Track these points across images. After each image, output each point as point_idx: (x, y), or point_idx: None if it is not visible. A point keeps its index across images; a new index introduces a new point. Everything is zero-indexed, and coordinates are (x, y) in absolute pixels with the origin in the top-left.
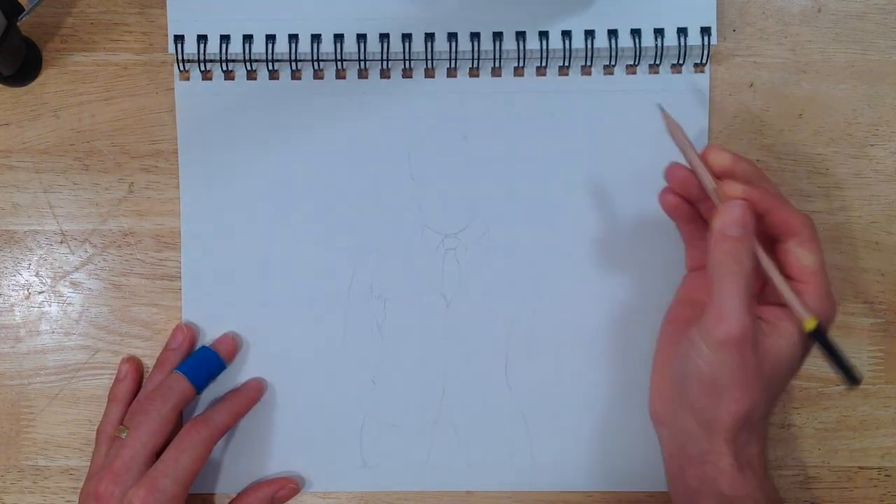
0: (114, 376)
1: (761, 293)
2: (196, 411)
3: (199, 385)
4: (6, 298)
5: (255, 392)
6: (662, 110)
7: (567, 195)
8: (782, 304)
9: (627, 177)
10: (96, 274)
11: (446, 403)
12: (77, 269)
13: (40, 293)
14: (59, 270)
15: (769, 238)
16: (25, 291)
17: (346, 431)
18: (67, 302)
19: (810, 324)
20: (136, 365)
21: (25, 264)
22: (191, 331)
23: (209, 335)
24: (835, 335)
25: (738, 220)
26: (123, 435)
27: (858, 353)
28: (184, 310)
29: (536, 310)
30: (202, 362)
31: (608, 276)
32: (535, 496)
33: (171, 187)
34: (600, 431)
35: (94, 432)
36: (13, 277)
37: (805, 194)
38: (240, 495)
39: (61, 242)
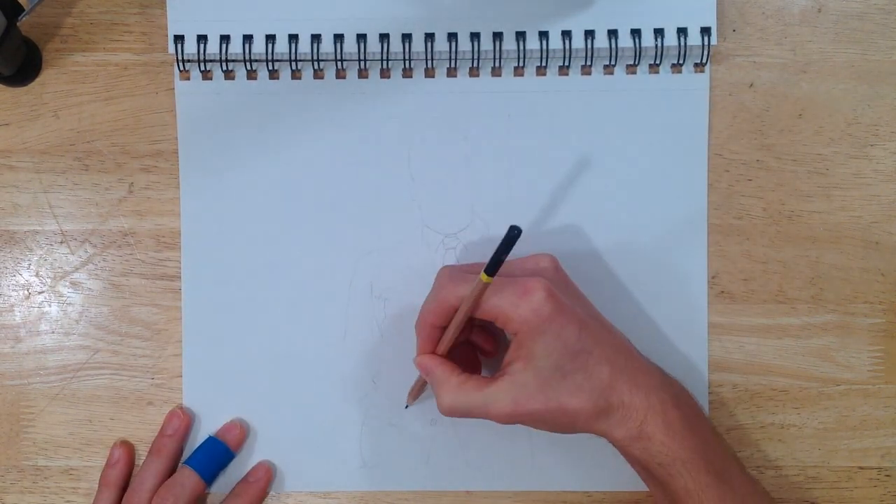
0: (105, 461)
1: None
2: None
3: (209, 479)
4: (6, 298)
5: (264, 482)
6: (406, 407)
7: (567, 195)
8: (513, 333)
9: (627, 176)
10: (96, 274)
11: None
12: (77, 269)
13: (40, 293)
14: (59, 270)
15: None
16: (25, 291)
17: (346, 431)
18: (67, 302)
19: (484, 277)
20: (128, 450)
21: (25, 264)
22: (186, 416)
23: (209, 335)
24: (835, 335)
25: (422, 371)
26: None
27: (858, 353)
28: (184, 310)
29: None
30: (211, 455)
31: (608, 276)
32: (535, 496)
33: (171, 187)
34: None
35: (94, 432)
36: (13, 277)
37: (805, 194)
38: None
39: (61, 242)
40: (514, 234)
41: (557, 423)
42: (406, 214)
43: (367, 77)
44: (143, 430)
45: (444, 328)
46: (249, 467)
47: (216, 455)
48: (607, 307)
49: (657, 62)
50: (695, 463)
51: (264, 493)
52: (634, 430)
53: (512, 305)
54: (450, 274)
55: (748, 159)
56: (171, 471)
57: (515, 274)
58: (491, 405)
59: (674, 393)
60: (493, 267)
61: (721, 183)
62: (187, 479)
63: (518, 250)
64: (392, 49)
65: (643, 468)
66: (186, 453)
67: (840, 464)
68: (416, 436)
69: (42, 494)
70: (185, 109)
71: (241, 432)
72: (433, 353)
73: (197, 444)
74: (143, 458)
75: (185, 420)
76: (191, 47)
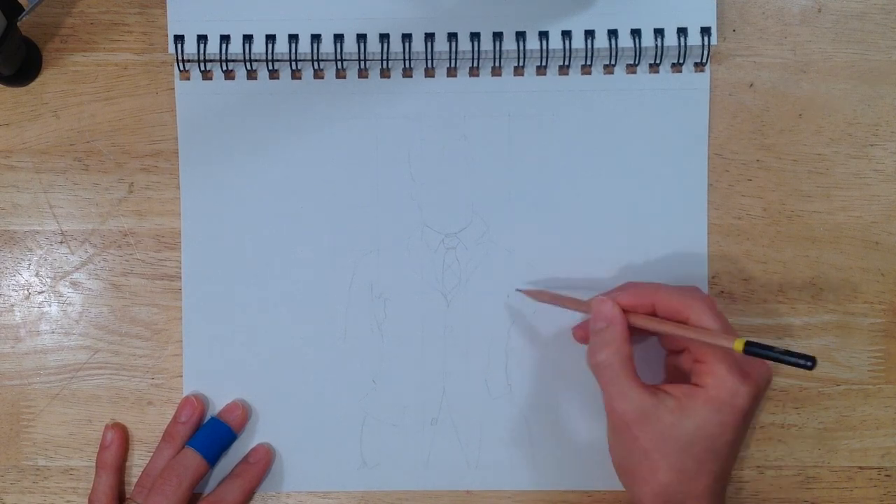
0: (99, 444)
1: (681, 371)
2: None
3: (212, 459)
4: (6, 298)
5: (264, 464)
6: (519, 291)
7: (567, 195)
8: (694, 384)
9: (627, 176)
10: (96, 274)
11: (446, 403)
12: (77, 269)
13: (40, 293)
14: (59, 270)
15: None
16: (25, 291)
17: (346, 431)
18: (67, 302)
19: (739, 344)
20: (120, 431)
21: (25, 264)
22: (200, 403)
23: (209, 335)
24: (835, 335)
25: (599, 316)
26: None
27: (858, 353)
28: (184, 310)
29: (536, 309)
30: (214, 436)
31: (608, 276)
32: (535, 496)
33: (171, 187)
34: (600, 431)
35: (94, 432)
36: (13, 277)
37: (805, 194)
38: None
39: (61, 242)
40: (808, 365)
41: (636, 468)
42: (406, 214)
43: (367, 77)
44: (143, 429)
45: (645, 312)
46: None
47: (219, 436)
48: None
49: (657, 62)
50: None
51: (264, 474)
52: None
53: (728, 369)
54: (709, 302)
55: (748, 159)
56: None
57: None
58: (625, 399)
59: None
60: (756, 350)
61: (721, 183)
62: (190, 460)
63: (518, 251)
64: (392, 49)
65: None
66: None
67: (840, 464)
68: (416, 436)
69: (42, 494)
70: (185, 109)
71: (243, 413)
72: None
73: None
74: (136, 438)
75: (198, 408)
76: (191, 47)
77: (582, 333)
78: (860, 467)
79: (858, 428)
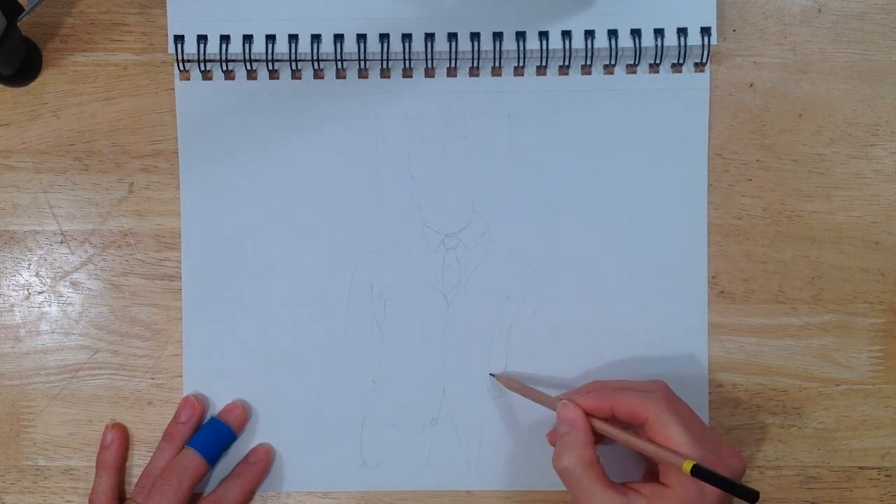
0: (99, 444)
1: (648, 472)
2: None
3: (212, 459)
4: (6, 298)
5: (264, 464)
6: (492, 376)
7: (567, 195)
8: (661, 483)
9: (627, 176)
10: (96, 274)
11: (446, 403)
12: (77, 269)
13: (40, 293)
14: (59, 270)
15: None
16: (25, 291)
17: (346, 431)
18: (67, 302)
19: (687, 466)
20: (120, 431)
21: (25, 264)
22: (200, 403)
23: (209, 335)
24: (835, 335)
25: (565, 419)
26: None
27: (858, 353)
28: (184, 310)
29: (536, 310)
30: (214, 436)
31: (608, 276)
32: (534, 496)
33: (171, 187)
34: None
35: (94, 432)
36: (13, 277)
37: (805, 194)
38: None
39: (61, 242)
40: (751, 499)
41: None
42: (406, 214)
43: (367, 77)
44: (144, 430)
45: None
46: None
47: (219, 436)
48: (607, 307)
49: (657, 62)
50: None
51: (264, 475)
52: None
53: (689, 476)
54: (668, 401)
55: (748, 159)
56: None
57: (708, 443)
58: (594, 503)
59: None
60: (703, 475)
61: (721, 183)
62: (190, 460)
63: (518, 251)
64: (392, 49)
65: None
66: None
67: (840, 464)
68: (416, 436)
69: (42, 494)
70: (185, 109)
71: (243, 413)
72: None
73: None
74: (136, 438)
75: (198, 408)
76: (191, 47)
77: (553, 438)
78: (860, 467)
79: (858, 428)
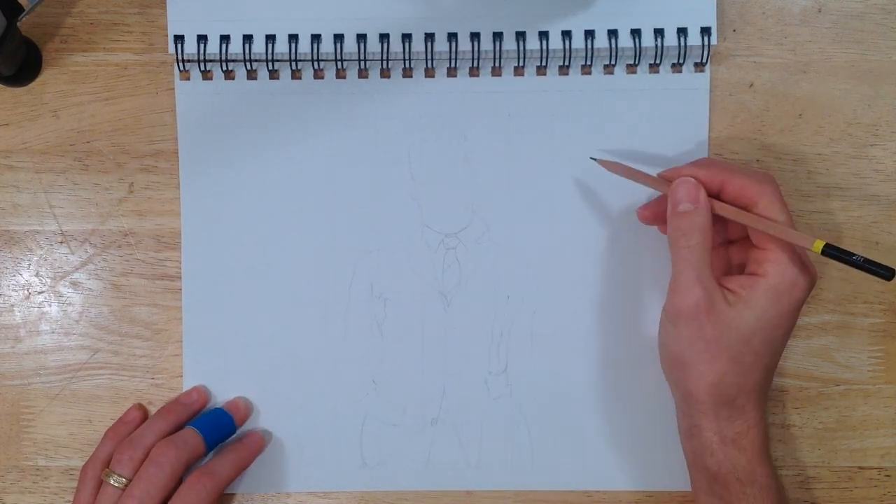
0: (119, 416)
1: (731, 263)
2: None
3: (210, 445)
4: (6, 298)
5: (258, 445)
6: (594, 160)
7: (567, 195)
8: (753, 273)
9: None
10: (96, 274)
11: (446, 403)
12: (77, 269)
13: (40, 293)
14: (59, 270)
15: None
16: (25, 291)
17: (346, 431)
18: (67, 302)
19: (818, 245)
20: (144, 414)
21: (25, 264)
22: (206, 396)
23: (209, 335)
24: (835, 335)
25: (686, 195)
26: (112, 481)
27: (858, 353)
28: (184, 310)
29: (536, 310)
30: (217, 424)
31: (608, 276)
32: (535, 496)
33: (171, 187)
34: (600, 431)
35: (94, 433)
36: (13, 277)
37: (805, 194)
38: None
39: (61, 242)
40: (886, 275)
41: (694, 359)
42: (406, 214)
43: (367, 77)
44: None
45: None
46: None
47: (221, 425)
48: (607, 307)
49: (657, 62)
50: (769, 495)
51: (256, 455)
52: (736, 434)
53: (790, 259)
54: (779, 194)
55: (748, 159)
56: None
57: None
58: (680, 293)
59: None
60: (834, 254)
61: None
62: (191, 438)
63: (518, 251)
64: (392, 49)
65: (711, 476)
66: None
67: (840, 464)
68: (416, 436)
69: (42, 494)
70: (185, 109)
71: (246, 409)
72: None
73: None
74: None
75: (203, 398)
76: (191, 47)
77: (650, 213)
78: (860, 467)
79: (858, 428)
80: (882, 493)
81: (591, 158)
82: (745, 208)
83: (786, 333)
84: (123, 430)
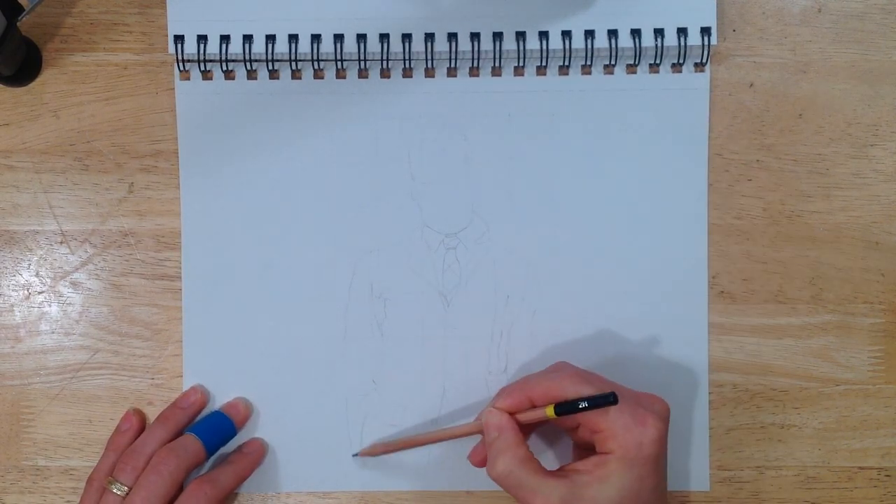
0: (117, 426)
1: (582, 447)
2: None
3: (211, 450)
4: (6, 298)
5: (258, 455)
6: (355, 455)
7: (567, 195)
8: (601, 452)
9: (627, 176)
10: (96, 274)
11: (446, 403)
12: (77, 269)
13: (40, 293)
14: (59, 270)
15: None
16: (25, 291)
17: (347, 431)
18: (67, 302)
19: (549, 410)
20: (141, 418)
21: (25, 264)
22: (204, 396)
23: (209, 335)
24: (835, 335)
25: (492, 425)
26: (114, 489)
27: (858, 353)
28: (184, 310)
29: (536, 310)
30: (216, 428)
31: (608, 276)
32: None
33: (171, 187)
34: None
35: (94, 433)
36: (13, 277)
37: (805, 194)
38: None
39: (61, 242)
40: (610, 401)
41: None
42: (406, 214)
43: (367, 77)
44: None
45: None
46: None
47: (221, 429)
48: (607, 307)
49: (657, 62)
50: None
51: (257, 466)
52: None
53: (624, 427)
54: (575, 372)
55: (748, 159)
56: None
57: (627, 398)
58: (539, 495)
59: None
60: (564, 409)
61: (721, 183)
62: (191, 444)
63: (518, 251)
64: (392, 49)
65: None
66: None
67: (840, 464)
68: None
69: (42, 494)
70: (185, 109)
71: (245, 410)
72: (510, 413)
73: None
74: None
75: (201, 399)
76: (191, 47)
77: (476, 457)
78: (860, 467)
79: (858, 428)
80: (882, 493)
81: (354, 455)
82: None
83: (655, 486)
84: (122, 439)
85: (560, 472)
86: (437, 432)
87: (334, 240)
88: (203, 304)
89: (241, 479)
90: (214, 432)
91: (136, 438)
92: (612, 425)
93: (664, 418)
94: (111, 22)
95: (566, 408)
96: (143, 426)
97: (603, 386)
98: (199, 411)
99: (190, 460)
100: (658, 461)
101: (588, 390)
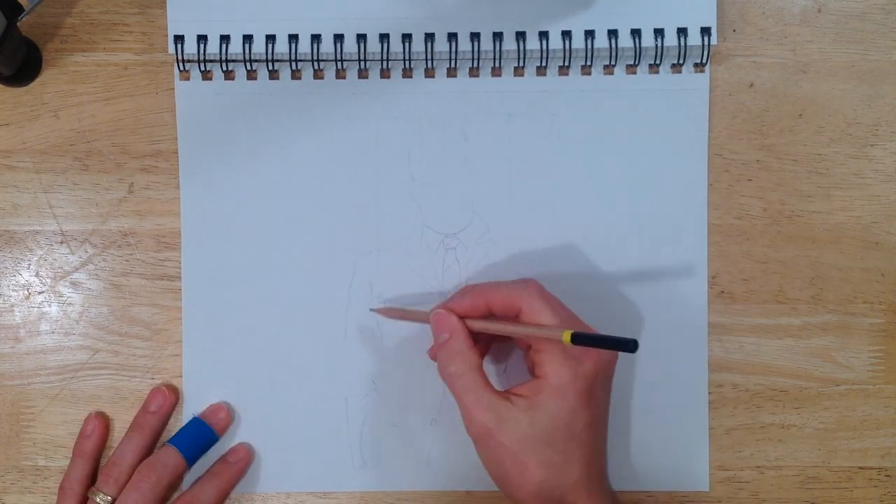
0: (80, 431)
1: (532, 367)
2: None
3: (191, 459)
4: (6, 298)
5: (243, 464)
6: (372, 311)
7: (567, 195)
8: (537, 376)
9: (627, 176)
10: (96, 274)
11: (446, 403)
12: (77, 269)
13: (40, 293)
14: (59, 270)
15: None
16: (25, 291)
17: (347, 431)
18: (67, 302)
19: (566, 336)
20: (103, 421)
21: (25, 264)
22: (172, 394)
23: (210, 335)
24: (835, 335)
25: (439, 326)
26: (99, 499)
27: (858, 353)
28: (184, 310)
29: None
30: (195, 436)
31: (608, 276)
32: None
33: (171, 187)
34: None
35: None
36: (13, 277)
37: (805, 194)
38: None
39: (61, 242)
40: (630, 348)
41: (508, 473)
42: (406, 214)
43: (367, 77)
44: None
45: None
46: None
47: (200, 437)
48: (607, 307)
49: (657, 62)
50: None
51: (241, 475)
52: None
53: (563, 355)
54: (540, 291)
55: (748, 159)
56: (151, 448)
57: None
58: (481, 407)
59: None
60: (582, 340)
61: (721, 183)
62: (170, 458)
63: (518, 251)
64: (392, 49)
65: None
66: (170, 434)
67: (840, 464)
68: (416, 436)
69: (42, 494)
70: (185, 109)
71: (227, 415)
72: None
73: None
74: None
75: (169, 398)
76: (191, 47)
77: (434, 352)
78: (860, 467)
79: (858, 428)
80: (882, 493)
81: (371, 310)
82: (514, 316)
83: (589, 424)
84: (87, 444)
85: (503, 393)
86: (424, 314)
87: (334, 240)
88: (203, 304)
89: (226, 493)
90: (193, 442)
91: (101, 441)
92: (552, 351)
93: (606, 363)
94: (111, 22)
95: (583, 339)
96: (106, 428)
97: (566, 314)
98: (171, 411)
99: (169, 473)
100: (591, 397)
101: (548, 313)
